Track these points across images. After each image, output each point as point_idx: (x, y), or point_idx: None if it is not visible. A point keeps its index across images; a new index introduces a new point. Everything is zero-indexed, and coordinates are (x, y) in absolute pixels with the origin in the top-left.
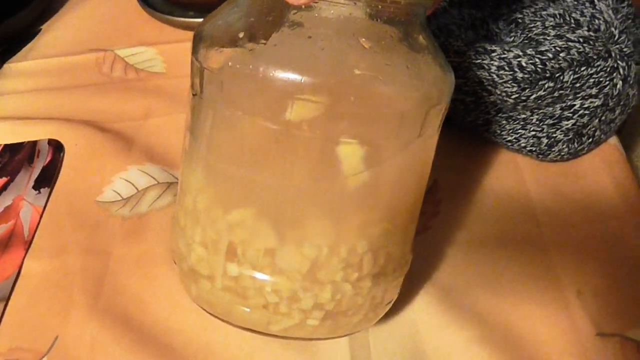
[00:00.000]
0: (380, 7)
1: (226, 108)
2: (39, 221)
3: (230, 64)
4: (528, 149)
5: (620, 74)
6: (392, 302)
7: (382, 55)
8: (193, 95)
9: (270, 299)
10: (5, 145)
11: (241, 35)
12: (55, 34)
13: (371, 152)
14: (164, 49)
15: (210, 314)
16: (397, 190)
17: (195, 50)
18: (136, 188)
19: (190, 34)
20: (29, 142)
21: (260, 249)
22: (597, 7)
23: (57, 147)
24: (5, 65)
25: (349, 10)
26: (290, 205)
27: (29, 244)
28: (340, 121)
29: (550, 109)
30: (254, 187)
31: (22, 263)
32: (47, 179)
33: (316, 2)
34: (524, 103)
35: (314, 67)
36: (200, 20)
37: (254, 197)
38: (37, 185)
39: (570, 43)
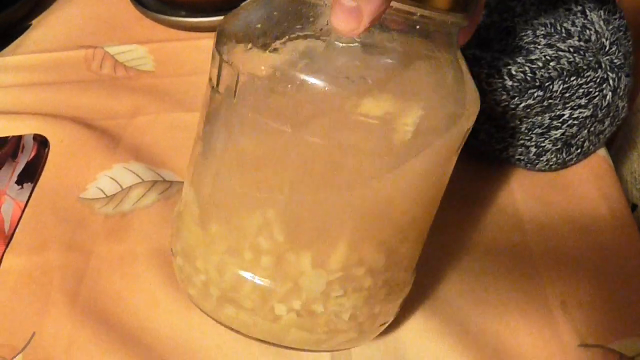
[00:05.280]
0: (413, 21)
1: (265, 118)
2: (21, 216)
3: (278, 73)
4: (516, 157)
5: (610, 85)
6: (388, 323)
7: (411, 71)
8: (211, 88)
9: (264, 305)
10: None
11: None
12: (45, 29)
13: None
14: (154, 48)
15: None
16: (409, 208)
17: (221, 47)
18: (120, 186)
19: (181, 33)
20: (13, 136)
21: (267, 255)
22: (588, 18)
23: (42, 143)
24: None
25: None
26: (307, 216)
27: (9, 239)
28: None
29: (539, 118)
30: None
31: (2, 258)
32: (30, 175)
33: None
34: (513, 112)
35: (374, 81)
36: (192, 20)
37: (271, 203)
38: (20, 180)
39: (560, 52)
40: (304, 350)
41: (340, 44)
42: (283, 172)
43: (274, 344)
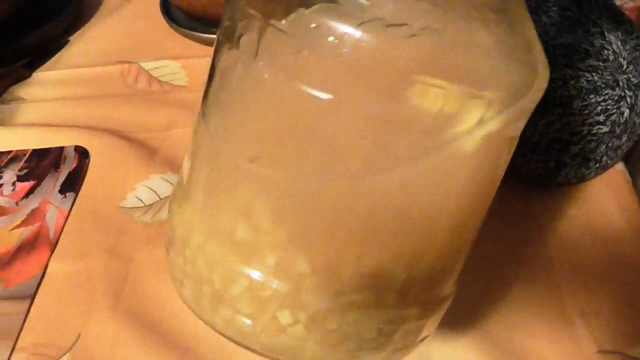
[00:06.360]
0: None
1: (290, 80)
2: (64, 224)
3: (311, 24)
4: (536, 172)
5: (627, 103)
6: (428, 337)
7: (476, 26)
8: (222, 45)
9: (287, 319)
10: (33, 151)
11: None
12: (83, 45)
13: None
14: (187, 63)
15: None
16: (464, 200)
17: None
18: (158, 196)
19: (212, 50)
20: (55, 148)
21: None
22: (606, 39)
23: (82, 154)
24: (34, 74)
25: None
26: (316, 205)
27: (54, 245)
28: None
29: (559, 134)
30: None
31: (48, 263)
32: (72, 184)
33: None
34: (534, 128)
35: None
36: None
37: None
38: (63, 190)
39: (579, 72)
40: None
41: None
42: (298, 144)
43: None
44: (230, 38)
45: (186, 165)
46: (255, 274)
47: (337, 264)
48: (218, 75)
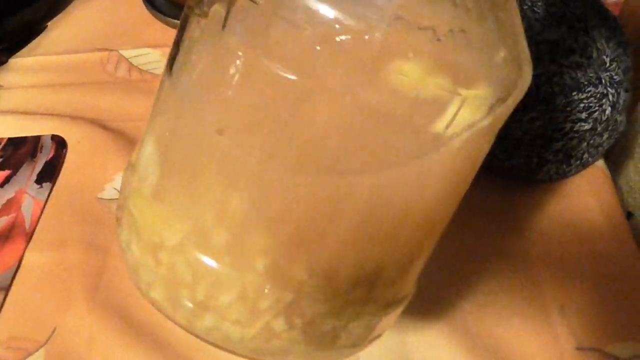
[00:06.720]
0: None
1: (261, 58)
2: (40, 215)
3: None
4: (518, 168)
5: (609, 100)
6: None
7: (478, 22)
8: (191, 14)
9: (281, 326)
10: (9, 139)
11: None
12: (61, 31)
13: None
14: (168, 52)
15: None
16: (441, 195)
17: None
18: None
19: None
20: (32, 136)
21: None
22: (590, 36)
23: (60, 143)
24: (11, 60)
25: None
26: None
27: (30, 236)
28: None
29: (541, 130)
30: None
31: (23, 255)
32: (49, 174)
33: None
34: (517, 124)
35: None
36: None
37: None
38: (40, 180)
39: (563, 69)
40: None
41: None
42: (273, 129)
43: None
44: (199, 3)
45: (149, 153)
46: (246, 282)
47: (330, 266)
48: (187, 48)
